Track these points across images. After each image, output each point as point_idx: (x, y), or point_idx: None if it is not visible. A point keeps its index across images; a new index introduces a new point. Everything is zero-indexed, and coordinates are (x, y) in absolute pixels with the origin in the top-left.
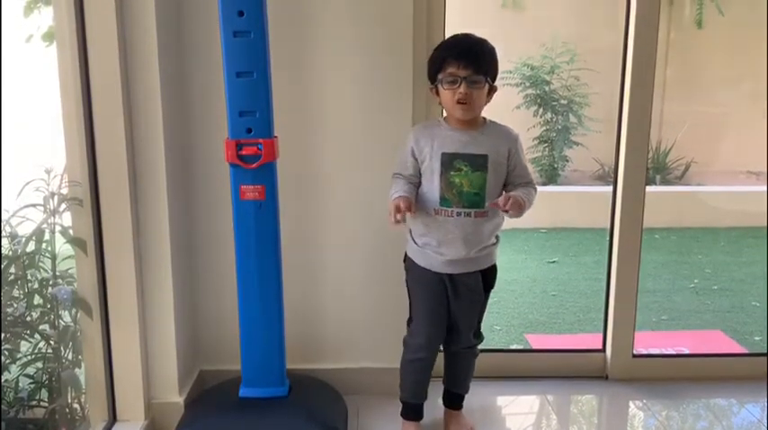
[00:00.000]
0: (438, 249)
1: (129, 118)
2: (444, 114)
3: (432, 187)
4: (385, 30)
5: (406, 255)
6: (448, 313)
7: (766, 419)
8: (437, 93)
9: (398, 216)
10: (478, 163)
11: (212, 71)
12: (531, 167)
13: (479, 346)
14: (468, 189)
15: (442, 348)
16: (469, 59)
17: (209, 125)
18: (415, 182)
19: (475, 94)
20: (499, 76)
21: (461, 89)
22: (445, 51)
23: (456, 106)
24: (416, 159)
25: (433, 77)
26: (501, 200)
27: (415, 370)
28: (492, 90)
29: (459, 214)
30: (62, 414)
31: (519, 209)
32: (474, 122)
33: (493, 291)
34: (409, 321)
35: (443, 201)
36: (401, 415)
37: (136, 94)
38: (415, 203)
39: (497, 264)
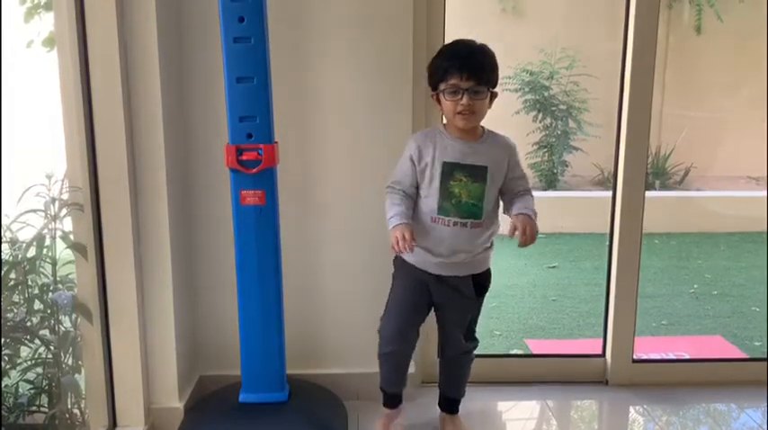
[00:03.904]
0: (433, 249)
1: (129, 123)
2: (444, 121)
3: (430, 194)
4: (385, 36)
5: (396, 256)
6: (425, 312)
7: (766, 425)
8: (438, 101)
9: (405, 246)
10: (478, 174)
11: (213, 76)
12: (529, 173)
13: (475, 351)
14: (467, 199)
15: (438, 355)
16: (472, 71)
17: (209, 130)
18: (412, 194)
19: (477, 105)
20: (499, 81)
21: (464, 101)
22: (447, 62)
23: (457, 116)
24: (416, 166)
25: (434, 85)
26: (518, 233)
27: (387, 362)
28: (493, 96)
29: (455, 223)
30: (62, 419)
31: (533, 237)
32: (474, 132)
33: (490, 296)
34: (384, 316)
35: (441, 209)
36: (382, 402)
37: (136, 100)
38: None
39: (491, 268)
